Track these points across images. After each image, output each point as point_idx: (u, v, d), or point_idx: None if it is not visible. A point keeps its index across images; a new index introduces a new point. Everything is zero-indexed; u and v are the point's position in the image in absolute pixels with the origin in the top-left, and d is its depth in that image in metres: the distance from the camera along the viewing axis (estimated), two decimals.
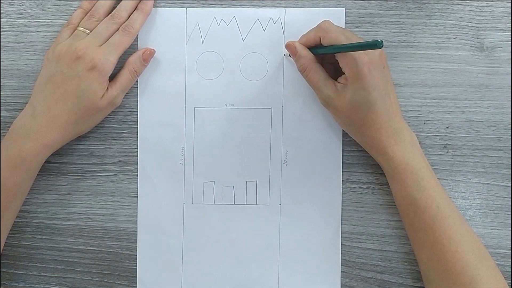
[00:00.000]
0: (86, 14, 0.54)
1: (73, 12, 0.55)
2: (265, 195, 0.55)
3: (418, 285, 0.55)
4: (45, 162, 0.53)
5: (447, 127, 0.55)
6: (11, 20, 0.56)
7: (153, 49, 0.55)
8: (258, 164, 0.55)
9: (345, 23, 0.54)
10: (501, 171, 0.55)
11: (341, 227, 0.55)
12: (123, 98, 0.55)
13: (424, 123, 0.55)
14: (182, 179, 0.55)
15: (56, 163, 0.56)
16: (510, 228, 0.54)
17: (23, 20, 0.56)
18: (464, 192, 0.55)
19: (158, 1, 0.55)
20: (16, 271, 0.56)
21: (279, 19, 0.55)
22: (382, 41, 0.44)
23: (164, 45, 0.55)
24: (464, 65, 0.54)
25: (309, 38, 0.51)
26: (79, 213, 0.56)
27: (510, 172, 0.54)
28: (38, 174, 0.53)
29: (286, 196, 0.55)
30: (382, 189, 0.55)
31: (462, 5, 0.54)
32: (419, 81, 0.55)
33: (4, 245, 0.55)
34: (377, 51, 0.49)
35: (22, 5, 0.56)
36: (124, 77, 0.53)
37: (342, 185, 0.55)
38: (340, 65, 0.49)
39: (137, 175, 0.56)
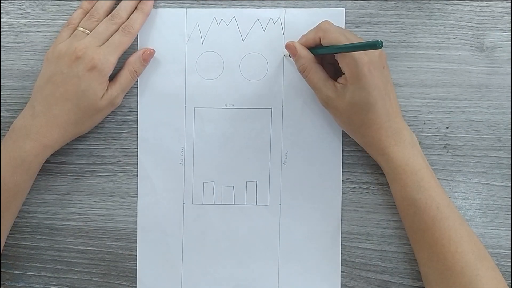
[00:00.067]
0: (86, 14, 0.54)
1: (73, 12, 0.55)
2: (265, 195, 0.55)
3: (418, 285, 0.55)
4: (45, 162, 0.53)
5: (447, 127, 0.55)
6: (11, 20, 0.56)
7: (153, 49, 0.55)
8: (258, 164, 0.55)
9: (345, 23, 0.54)
10: (501, 171, 0.55)
11: (341, 227, 0.55)
12: (123, 98, 0.55)
13: (424, 123, 0.55)
14: (182, 179, 0.55)
15: (56, 163, 0.56)
16: (510, 228, 0.54)
17: (23, 20, 0.56)
18: (464, 192, 0.55)
19: (158, 1, 0.55)
20: (16, 271, 0.56)
21: (279, 19, 0.55)
22: (381, 41, 0.44)
23: (164, 45, 0.55)
24: (464, 65, 0.54)
25: (309, 39, 0.51)
26: (79, 213, 0.56)
27: (510, 172, 0.54)
28: (38, 174, 0.53)
29: (286, 196, 0.55)
30: (382, 189, 0.55)
31: (462, 5, 0.54)
32: (419, 81, 0.55)
33: (4, 245, 0.55)
34: (377, 51, 0.49)
35: (22, 5, 0.56)
36: (124, 77, 0.53)
37: (342, 185, 0.55)
38: (340, 65, 0.49)
39: (137, 175, 0.56)
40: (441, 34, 0.54)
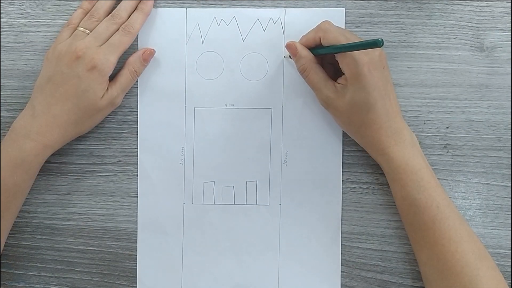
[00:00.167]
0: (86, 14, 0.54)
1: (73, 12, 0.55)
2: (265, 195, 0.55)
3: (418, 285, 0.55)
4: (45, 162, 0.53)
5: (447, 127, 0.55)
6: (11, 20, 0.56)
7: (153, 49, 0.55)
8: (258, 164, 0.55)
9: (345, 23, 0.54)
10: (501, 171, 0.55)
11: (341, 227, 0.55)
12: (123, 98, 0.55)
13: (424, 123, 0.55)
14: (182, 179, 0.55)
15: (56, 163, 0.56)
16: (510, 228, 0.54)
17: (23, 20, 0.56)
18: (464, 192, 0.55)
19: (158, 1, 0.55)
20: (16, 271, 0.56)
21: (279, 19, 0.55)
22: (382, 40, 0.44)
23: (164, 45, 0.55)
24: (464, 65, 0.54)
25: (309, 39, 0.51)
26: (79, 213, 0.56)
27: (510, 172, 0.54)
28: (38, 174, 0.53)
29: (286, 196, 0.55)
30: (382, 189, 0.55)
31: (462, 5, 0.54)
32: (419, 81, 0.55)
33: (4, 245, 0.55)
34: (377, 51, 0.49)
35: (22, 5, 0.56)
36: (124, 77, 0.53)
37: (342, 185, 0.55)
38: (340, 65, 0.49)
39: (137, 175, 0.56)
40: (441, 34, 0.54)
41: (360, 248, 0.55)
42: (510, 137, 0.54)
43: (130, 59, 0.54)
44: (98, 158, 0.56)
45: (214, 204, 0.55)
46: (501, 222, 0.55)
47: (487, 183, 0.55)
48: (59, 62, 0.51)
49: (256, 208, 0.55)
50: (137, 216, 0.56)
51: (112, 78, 0.53)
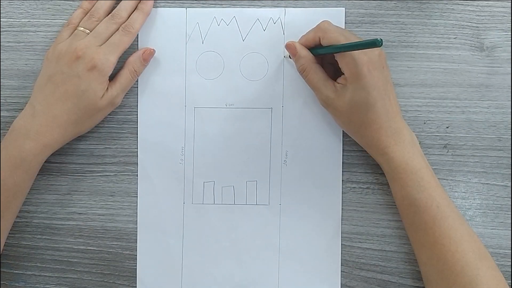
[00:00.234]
0: (86, 14, 0.54)
1: (73, 12, 0.55)
2: (265, 195, 0.55)
3: (418, 285, 0.55)
4: (45, 162, 0.53)
5: (447, 127, 0.55)
6: (11, 20, 0.56)
7: (153, 49, 0.55)
8: (258, 164, 0.55)
9: (345, 23, 0.54)
10: (501, 171, 0.55)
11: (341, 227, 0.55)
12: (123, 98, 0.55)
13: (424, 123, 0.55)
14: (182, 179, 0.55)
15: (56, 163, 0.56)
16: (510, 228, 0.54)
17: (23, 20, 0.56)
18: (464, 192, 0.55)
19: (158, 1, 0.55)
20: (16, 271, 0.56)
21: (279, 19, 0.55)
22: (381, 39, 0.44)
23: (164, 45, 0.55)
24: (464, 65, 0.54)
25: (308, 39, 0.51)
26: (79, 213, 0.56)
27: (510, 172, 0.54)
28: (38, 174, 0.53)
29: (286, 196, 0.55)
30: (382, 189, 0.55)
31: (462, 5, 0.54)
32: (419, 81, 0.55)
33: (4, 245, 0.55)
34: (376, 51, 0.49)
35: (22, 5, 0.56)
36: (124, 77, 0.53)
37: (342, 185, 0.55)
38: (340, 65, 0.49)
39: (137, 175, 0.56)
40: (441, 34, 0.54)
41: (360, 248, 0.55)
42: (510, 137, 0.54)
43: (130, 59, 0.54)
44: (98, 158, 0.56)
45: (214, 204, 0.55)
46: (501, 222, 0.55)
47: (487, 183, 0.55)
48: (59, 62, 0.52)
49: (256, 208, 0.55)
50: (137, 216, 0.56)
51: (112, 78, 0.53)
